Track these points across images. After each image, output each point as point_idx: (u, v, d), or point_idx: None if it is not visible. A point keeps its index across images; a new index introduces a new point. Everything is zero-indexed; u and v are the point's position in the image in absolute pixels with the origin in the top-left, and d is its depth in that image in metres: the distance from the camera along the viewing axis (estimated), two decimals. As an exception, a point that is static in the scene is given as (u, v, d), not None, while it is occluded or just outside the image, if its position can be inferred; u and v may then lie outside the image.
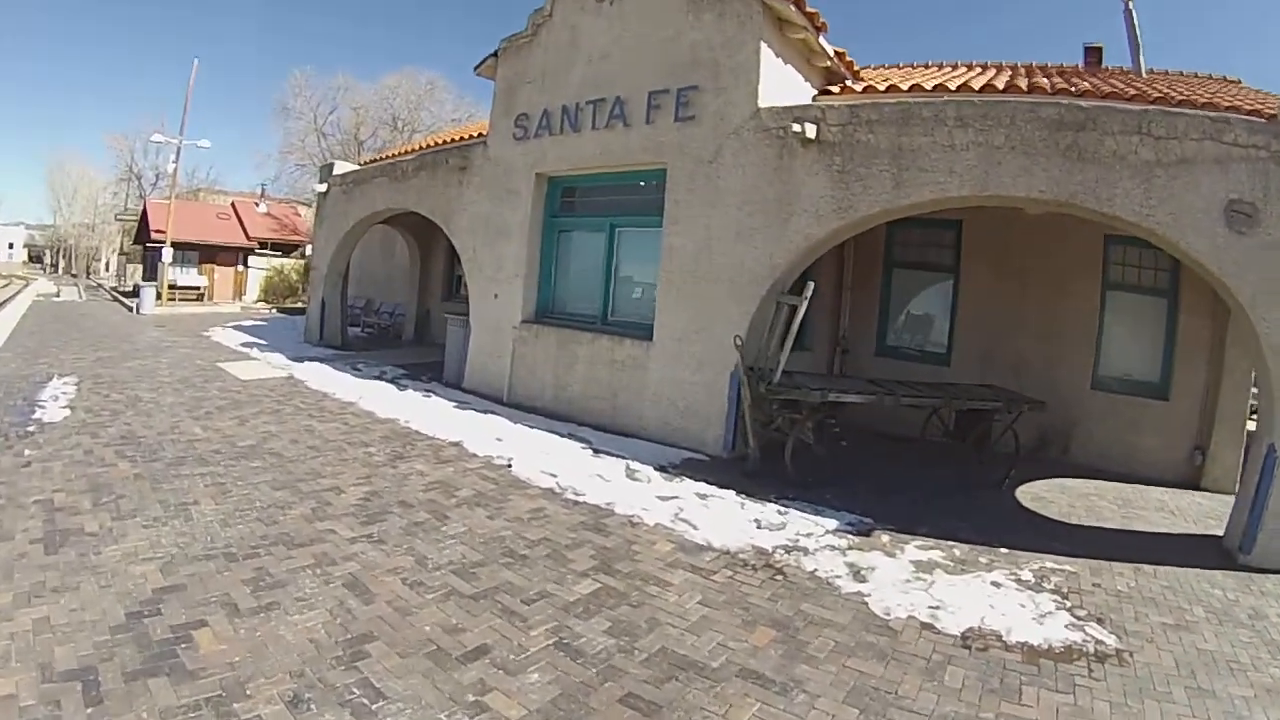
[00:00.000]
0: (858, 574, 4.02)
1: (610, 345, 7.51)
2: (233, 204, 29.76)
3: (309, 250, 31.74)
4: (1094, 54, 10.03)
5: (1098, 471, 7.21)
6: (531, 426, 7.09)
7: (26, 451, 5.22)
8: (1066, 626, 3.53)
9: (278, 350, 11.33)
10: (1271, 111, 5.38)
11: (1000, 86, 6.91)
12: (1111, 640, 3.42)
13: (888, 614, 3.55)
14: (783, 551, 4.27)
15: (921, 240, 8.72)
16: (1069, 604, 3.80)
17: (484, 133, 9.73)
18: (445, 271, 14.86)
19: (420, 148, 12.69)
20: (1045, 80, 7.38)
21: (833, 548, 4.37)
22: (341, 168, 12.83)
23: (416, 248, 14.88)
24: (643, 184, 7.72)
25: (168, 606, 3.07)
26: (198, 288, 23.78)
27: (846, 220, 6.02)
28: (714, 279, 6.75)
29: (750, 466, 6.04)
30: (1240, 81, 9.61)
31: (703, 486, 5.44)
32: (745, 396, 6.09)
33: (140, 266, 28.82)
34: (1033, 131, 5.16)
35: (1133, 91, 6.85)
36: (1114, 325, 7.77)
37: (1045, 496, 6.19)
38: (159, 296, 19.23)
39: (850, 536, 4.60)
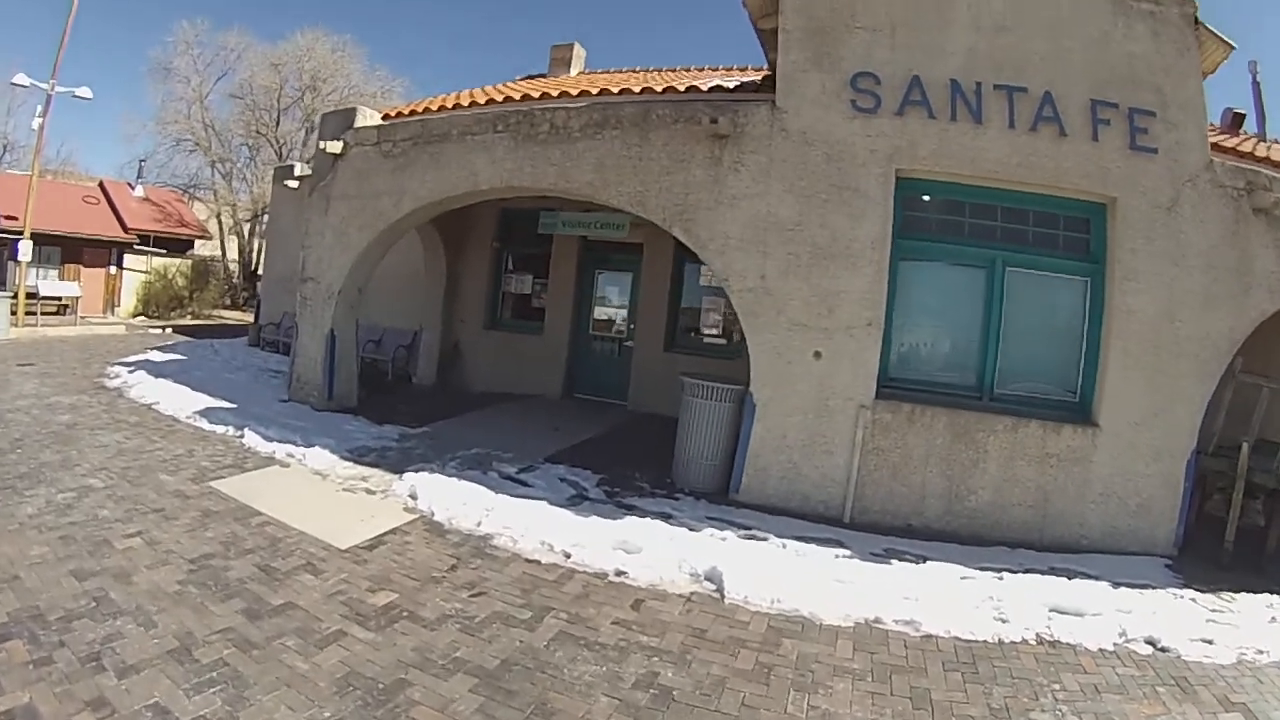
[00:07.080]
0: None
1: (1042, 434, 5.66)
2: (101, 184, 21.04)
3: (198, 248, 23.08)
4: (1238, 119, 9.85)
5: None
6: (1006, 571, 4.80)
7: None
8: None
9: (282, 427, 6.74)
10: None
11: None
12: None
13: None
14: None
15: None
16: None
17: (760, 83, 7.23)
18: (489, 288, 11.05)
19: (590, 90, 7.79)
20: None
21: None
22: (369, 117, 8.55)
23: (442, 250, 10.77)
24: (1056, 214, 6.07)
25: None
26: (61, 298, 16.22)
27: (1283, 304, 5.68)
28: (1177, 352, 5.69)
29: (1227, 559, 5.50)
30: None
31: (1251, 600, 4.68)
32: (1239, 487, 5.54)
33: (-23, 265, 20.60)
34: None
35: None
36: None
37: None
38: (13, 312, 13.22)
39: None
